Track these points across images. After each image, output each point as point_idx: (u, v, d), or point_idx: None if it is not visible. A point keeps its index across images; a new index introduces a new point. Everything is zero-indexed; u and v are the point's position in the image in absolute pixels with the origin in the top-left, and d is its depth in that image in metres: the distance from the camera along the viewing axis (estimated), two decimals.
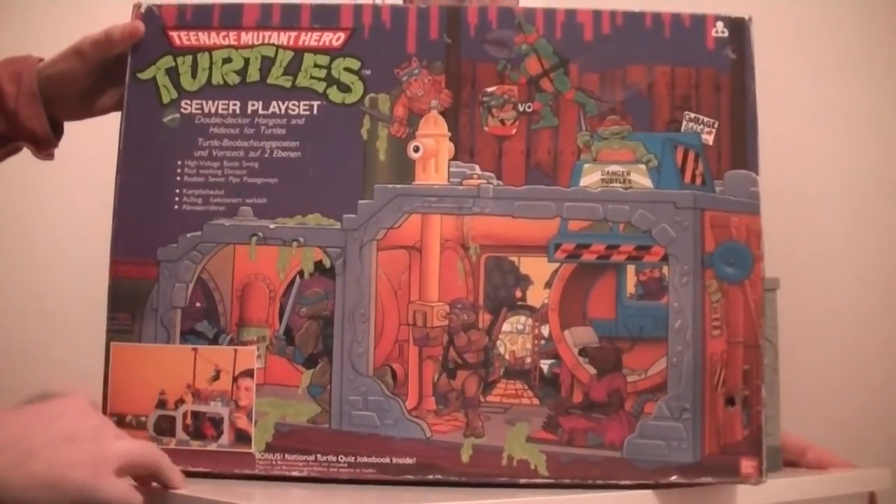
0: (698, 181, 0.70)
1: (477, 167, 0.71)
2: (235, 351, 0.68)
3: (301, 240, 0.69)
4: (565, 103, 0.71)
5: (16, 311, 1.03)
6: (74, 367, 0.94)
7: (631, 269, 0.69)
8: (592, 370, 0.68)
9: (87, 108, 0.78)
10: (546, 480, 0.66)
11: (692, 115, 0.71)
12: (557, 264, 0.69)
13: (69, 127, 0.81)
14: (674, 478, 0.66)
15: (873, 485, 0.81)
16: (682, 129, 0.71)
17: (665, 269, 0.69)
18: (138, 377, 0.68)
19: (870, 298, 1.13)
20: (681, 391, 0.67)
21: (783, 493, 0.74)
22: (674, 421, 0.67)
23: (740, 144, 0.71)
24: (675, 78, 0.72)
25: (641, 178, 0.70)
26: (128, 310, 0.69)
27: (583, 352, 0.68)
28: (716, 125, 0.71)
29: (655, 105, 0.71)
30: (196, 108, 0.71)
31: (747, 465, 0.67)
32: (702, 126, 0.71)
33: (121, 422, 0.68)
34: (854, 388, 1.10)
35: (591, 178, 0.70)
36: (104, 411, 0.68)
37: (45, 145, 0.78)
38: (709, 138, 0.71)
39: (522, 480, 0.66)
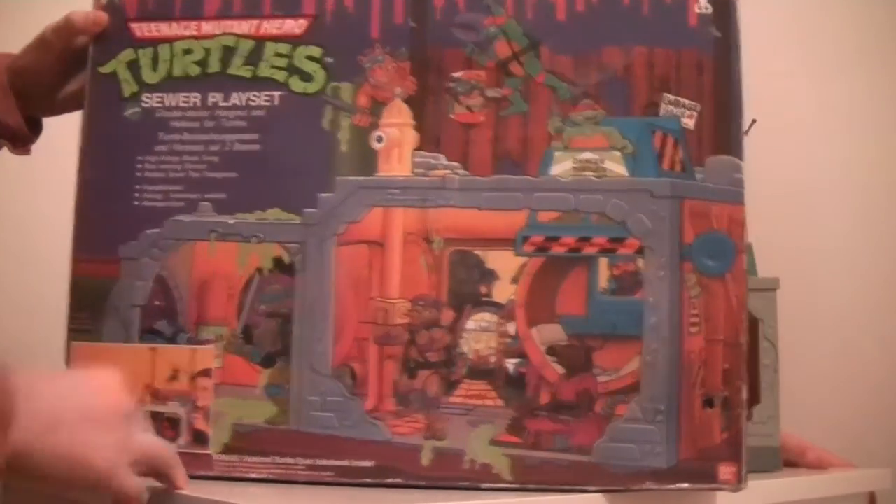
0: (677, 168, 0.67)
1: (442, 157, 0.69)
2: (193, 350, 0.67)
3: (260, 235, 0.68)
4: (536, 88, 0.69)
5: (15, 309, 1.04)
6: None
7: (604, 262, 0.66)
8: (561, 370, 0.66)
9: (61, 102, 0.78)
10: (509, 485, 0.64)
11: (671, 98, 0.68)
12: (525, 258, 0.67)
13: (66, 124, 0.81)
14: (647, 484, 0.63)
15: (873, 485, 0.82)
16: (661, 113, 0.68)
17: (640, 263, 0.66)
18: None
19: (870, 298, 1.15)
20: (655, 392, 0.65)
21: (783, 493, 0.75)
22: (647, 423, 0.64)
23: (723, 128, 0.68)
24: (653, 58, 0.68)
25: (616, 166, 0.67)
26: (89, 309, 0.69)
27: (551, 350, 0.66)
28: (697, 108, 0.67)
29: (632, 88, 0.68)
30: (157, 102, 0.71)
31: (725, 471, 0.64)
32: (682, 109, 0.68)
33: None
34: (854, 389, 1.12)
35: (562, 166, 0.68)
36: None
37: (21, 141, 0.78)
38: (689, 122, 0.68)
39: (485, 485, 0.64)
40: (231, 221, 0.70)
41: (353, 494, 0.65)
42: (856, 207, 1.17)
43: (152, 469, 0.61)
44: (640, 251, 0.68)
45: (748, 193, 1.07)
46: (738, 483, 0.65)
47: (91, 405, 0.57)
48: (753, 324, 0.82)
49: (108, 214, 0.71)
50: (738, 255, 0.68)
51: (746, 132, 1.00)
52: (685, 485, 0.65)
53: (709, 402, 0.67)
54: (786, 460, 0.83)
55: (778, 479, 0.76)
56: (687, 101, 0.69)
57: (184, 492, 0.62)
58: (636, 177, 0.68)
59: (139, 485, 0.58)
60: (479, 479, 0.66)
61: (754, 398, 0.83)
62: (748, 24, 1.01)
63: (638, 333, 0.67)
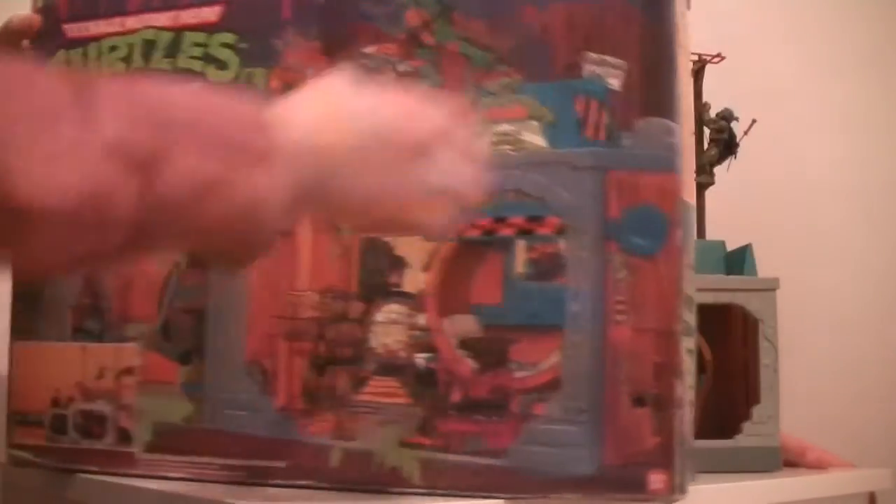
0: (601, 135, 0.59)
1: None
2: (116, 348, 0.67)
3: None
4: (449, 57, 0.63)
5: None
6: None
7: (521, 244, 0.60)
8: (474, 364, 0.60)
9: None
10: (419, 490, 0.59)
11: (595, 58, 0.60)
12: (437, 243, 0.60)
13: None
14: (566, 493, 0.56)
15: (873, 485, 0.81)
16: (584, 75, 0.60)
17: (561, 244, 0.58)
18: (36, 376, 0.70)
19: (870, 298, 1.16)
20: (577, 389, 0.58)
21: (783, 493, 0.73)
22: (568, 425, 0.57)
23: (654, 88, 0.60)
24: (573, 14, 0.61)
25: (534, 137, 0.61)
26: (28, 308, 0.70)
27: (463, 343, 0.60)
28: (624, 67, 0.59)
29: (551, 49, 0.62)
30: None
31: (656, 480, 0.56)
32: (607, 69, 0.60)
33: (23, 421, 0.69)
34: (854, 389, 1.11)
35: None
36: (7, 410, 0.70)
37: None
38: (615, 83, 0.60)
39: (394, 489, 0.59)
40: None
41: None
42: (856, 207, 1.18)
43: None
44: (560, 231, 0.60)
45: (748, 193, 1.07)
46: (669, 493, 0.57)
47: (384, 139, 0.47)
48: (753, 324, 0.78)
49: None
50: (670, 230, 0.58)
51: (746, 132, 0.93)
52: (610, 494, 0.57)
53: (638, 401, 0.58)
54: (786, 460, 0.78)
55: (778, 479, 0.74)
56: (612, 60, 0.60)
57: (180, 492, 0.61)
58: (556, 148, 0.61)
59: (441, 219, 0.50)
60: (388, 483, 0.61)
61: (754, 398, 0.78)
62: (750, 26, 1.08)
63: (558, 323, 0.59)
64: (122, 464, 0.67)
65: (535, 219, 0.61)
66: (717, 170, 0.90)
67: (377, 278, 0.63)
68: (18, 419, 0.71)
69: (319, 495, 0.61)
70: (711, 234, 0.88)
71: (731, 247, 0.85)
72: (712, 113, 0.90)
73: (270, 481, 0.63)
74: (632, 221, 0.59)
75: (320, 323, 0.64)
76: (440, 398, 0.61)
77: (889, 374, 1.14)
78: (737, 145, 0.91)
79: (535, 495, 0.58)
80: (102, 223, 0.38)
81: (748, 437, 0.74)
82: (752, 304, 0.76)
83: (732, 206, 0.93)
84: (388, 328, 0.63)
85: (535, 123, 0.62)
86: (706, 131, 0.90)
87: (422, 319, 0.62)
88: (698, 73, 0.90)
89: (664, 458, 0.57)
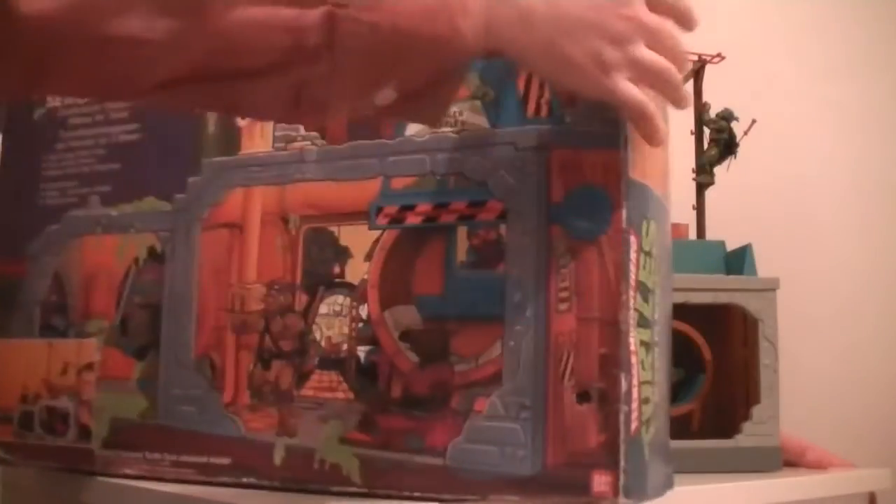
0: (544, 112, 0.55)
1: (302, 128, 0.61)
2: (78, 344, 0.66)
3: (138, 225, 0.65)
4: None
5: None
6: None
7: (462, 231, 0.56)
8: (414, 358, 0.56)
9: None
10: (358, 489, 0.56)
11: None
12: (379, 231, 0.58)
13: None
14: (507, 495, 0.52)
15: (873, 485, 0.79)
16: None
17: (503, 229, 0.54)
18: (7, 372, 0.69)
19: (870, 298, 1.16)
20: (519, 383, 0.54)
21: (783, 493, 0.71)
22: (510, 421, 0.53)
23: None
24: None
25: (476, 117, 0.57)
26: (2, 306, 0.70)
27: (404, 336, 0.56)
28: None
29: None
30: (58, 101, 0.71)
31: (600, 482, 0.51)
32: None
33: None
34: (854, 388, 1.11)
35: (417, 124, 0.58)
36: None
37: None
38: None
39: (334, 488, 0.56)
40: (114, 213, 0.68)
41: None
42: (856, 208, 1.18)
43: (652, 86, 0.52)
44: (502, 216, 0.56)
45: (748, 193, 1.11)
46: (613, 496, 0.52)
47: (599, 14, 0.50)
48: (753, 324, 0.74)
49: (17, 215, 0.72)
50: (614, 212, 0.54)
51: (746, 132, 0.89)
52: (552, 498, 0.53)
53: (584, 396, 0.53)
54: (786, 460, 0.75)
55: (778, 479, 0.72)
56: None
57: (179, 492, 0.60)
58: (498, 127, 0.57)
59: (640, 94, 0.51)
60: (328, 482, 0.58)
61: (754, 398, 0.73)
62: (751, 27, 1.08)
63: (499, 313, 0.55)
64: (82, 460, 0.67)
65: (477, 204, 0.57)
66: (717, 170, 0.87)
67: (321, 269, 0.61)
68: None
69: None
70: (711, 234, 0.84)
71: (731, 247, 0.82)
72: (712, 113, 0.87)
73: (215, 479, 0.61)
74: (575, 203, 0.54)
75: (266, 315, 0.62)
76: (381, 393, 0.58)
77: (889, 374, 1.13)
78: (737, 145, 0.88)
79: (473, 497, 0.54)
80: None
81: (748, 437, 0.71)
82: (752, 304, 0.73)
83: (732, 206, 0.92)
84: (332, 320, 0.60)
85: (476, 103, 0.58)
86: (706, 131, 0.86)
87: (364, 311, 0.59)
88: (698, 73, 0.86)
89: (609, 457, 0.52)
